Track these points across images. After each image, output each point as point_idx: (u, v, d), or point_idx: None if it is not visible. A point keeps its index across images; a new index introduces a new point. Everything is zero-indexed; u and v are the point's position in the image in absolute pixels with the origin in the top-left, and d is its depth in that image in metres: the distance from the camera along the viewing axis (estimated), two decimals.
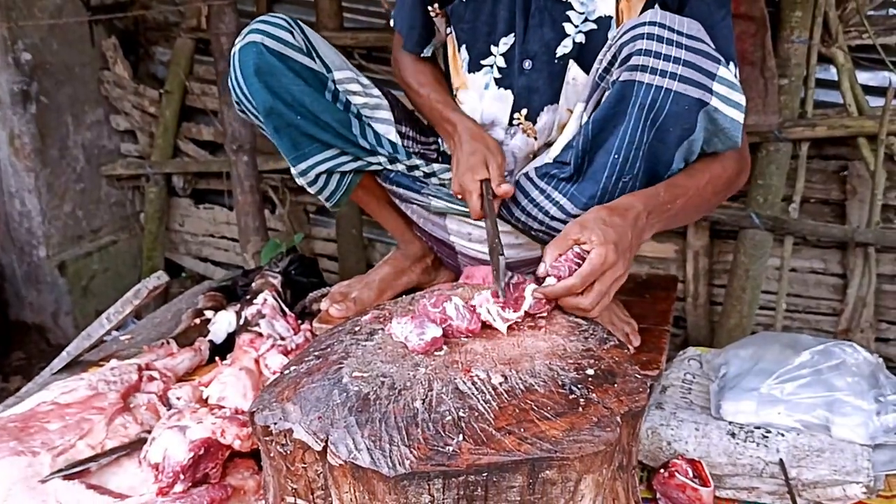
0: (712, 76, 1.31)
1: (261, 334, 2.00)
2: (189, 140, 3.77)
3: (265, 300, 2.11)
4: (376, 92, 1.72)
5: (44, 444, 1.57)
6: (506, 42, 1.60)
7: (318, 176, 1.67)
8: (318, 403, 1.09)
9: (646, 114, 1.33)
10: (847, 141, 2.71)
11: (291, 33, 1.59)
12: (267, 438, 1.10)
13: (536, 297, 1.25)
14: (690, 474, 1.55)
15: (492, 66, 1.62)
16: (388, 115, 1.71)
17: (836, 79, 2.64)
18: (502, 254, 1.35)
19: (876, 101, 2.66)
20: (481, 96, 1.66)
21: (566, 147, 1.53)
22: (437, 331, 1.20)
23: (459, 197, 1.60)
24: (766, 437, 1.66)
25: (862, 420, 1.64)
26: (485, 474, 0.96)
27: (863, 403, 1.65)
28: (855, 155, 2.74)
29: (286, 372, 1.21)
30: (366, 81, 1.71)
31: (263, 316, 2.06)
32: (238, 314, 2.12)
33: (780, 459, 1.61)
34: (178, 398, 1.83)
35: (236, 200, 3.11)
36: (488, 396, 1.06)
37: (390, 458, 0.97)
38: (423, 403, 1.06)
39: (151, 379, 1.86)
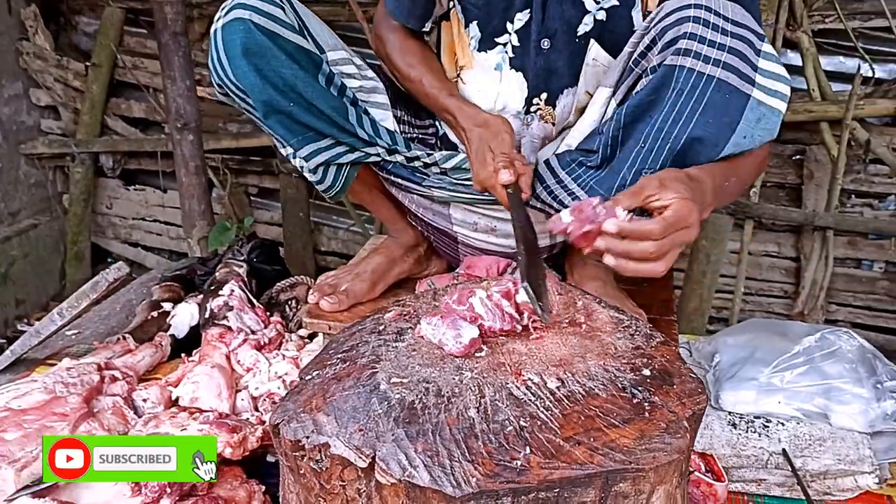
0: (755, 67, 1.25)
1: (230, 328, 1.86)
2: (118, 117, 3.55)
3: (232, 291, 1.96)
4: (371, 73, 1.59)
5: (3, 457, 1.41)
6: (520, 19, 1.48)
7: (317, 167, 1.53)
8: (357, 414, 0.98)
9: (683, 101, 1.25)
10: (805, 126, 2.74)
11: (282, 8, 1.43)
12: (297, 454, 0.99)
13: (610, 228, 1.10)
14: (703, 469, 1.51)
15: (506, 45, 1.51)
16: (384, 98, 1.58)
17: (799, 64, 2.66)
18: (539, 267, 1.22)
19: (837, 87, 2.70)
20: (493, 77, 1.55)
21: (592, 134, 1.45)
22: (474, 331, 1.10)
23: (486, 195, 1.49)
24: (767, 426, 1.64)
25: (861, 408, 1.63)
26: (556, 490, 0.88)
27: (862, 391, 1.65)
28: (812, 140, 2.77)
29: (307, 377, 1.09)
30: (360, 62, 1.57)
31: (231, 308, 1.92)
32: (202, 306, 1.97)
33: (783, 449, 1.59)
34: (145, 400, 1.68)
35: (180, 182, 2.92)
36: (548, 403, 0.98)
37: (453, 475, 0.87)
38: (477, 412, 0.96)
39: (114, 379, 1.70)
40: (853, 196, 2.82)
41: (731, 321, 2.91)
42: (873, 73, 2.64)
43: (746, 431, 1.64)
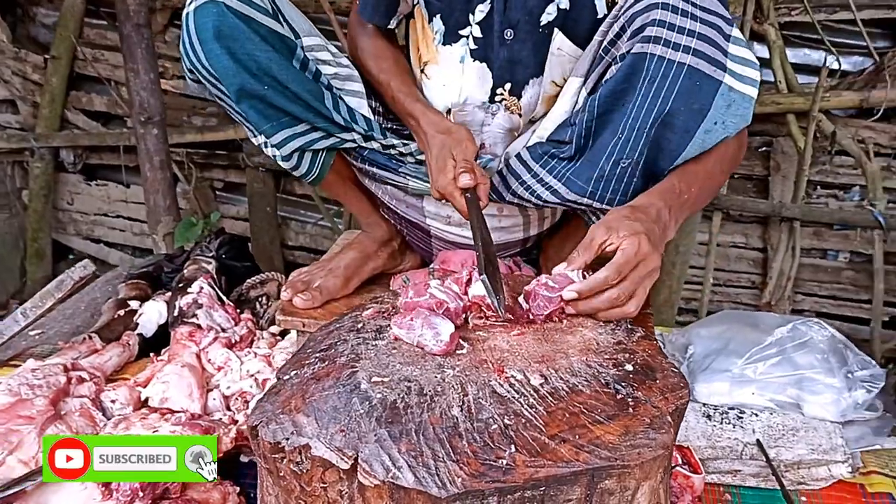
0: (725, 52, 1.24)
1: (200, 326, 1.82)
2: (79, 111, 3.46)
3: (201, 288, 1.93)
4: (346, 61, 1.56)
5: None
6: (482, 10, 1.46)
7: (291, 154, 1.50)
8: (338, 414, 0.96)
9: (655, 89, 1.24)
10: (772, 118, 2.76)
11: None
12: (276, 456, 0.97)
13: (569, 297, 1.15)
14: (680, 461, 1.51)
15: (468, 37, 1.49)
16: (359, 87, 1.55)
17: (766, 56, 2.68)
18: (496, 267, 1.22)
19: (803, 79, 2.72)
20: (457, 70, 1.52)
21: (563, 125, 1.43)
22: (451, 326, 1.09)
23: (443, 202, 1.47)
24: (741, 417, 1.65)
25: (833, 398, 1.65)
26: (542, 488, 0.87)
27: (833, 381, 1.67)
28: (779, 131, 2.80)
29: (286, 377, 1.07)
30: (335, 49, 1.54)
31: (200, 306, 1.88)
32: (170, 304, 1.92)
33: (758, 440, 1.60)
34: (114, 401, 1.64)
35: (144, 177, 2.85)
36: (532, 400, 0.97)
37: (438, 475, 0.86)
38: (461, 411, 0.95)
39: (81, 380, 1.65)
40: (819, 187, 2.85)
41: (701, 312, 2.93)
42: (839, 65, 2.67)
43: (721, 423, 1.65)
